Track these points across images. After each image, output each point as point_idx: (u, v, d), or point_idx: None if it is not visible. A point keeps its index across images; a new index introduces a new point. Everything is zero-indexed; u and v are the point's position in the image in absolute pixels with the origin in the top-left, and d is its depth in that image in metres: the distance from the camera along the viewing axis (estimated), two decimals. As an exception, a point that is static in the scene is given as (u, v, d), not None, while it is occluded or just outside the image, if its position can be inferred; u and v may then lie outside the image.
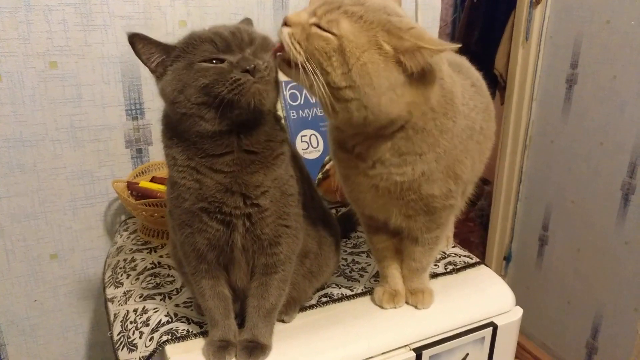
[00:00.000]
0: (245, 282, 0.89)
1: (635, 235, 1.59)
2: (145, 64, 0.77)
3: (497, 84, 2.16)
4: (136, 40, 0.75)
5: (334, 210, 1.43)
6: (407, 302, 1.02)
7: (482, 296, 1.07)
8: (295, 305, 0.99)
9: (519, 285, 2.08)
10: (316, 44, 0.71)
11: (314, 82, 0.72)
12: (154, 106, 1.40)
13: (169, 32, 1.35)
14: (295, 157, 0.92)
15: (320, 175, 1.43)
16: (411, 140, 0.80)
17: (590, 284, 1.77)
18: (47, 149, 1.32)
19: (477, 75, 0.98)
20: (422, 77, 0.75)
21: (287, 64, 0.75)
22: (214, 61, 0.73)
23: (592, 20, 1.67)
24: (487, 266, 1.16)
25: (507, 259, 2.14)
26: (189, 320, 0.97)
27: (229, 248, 0.84)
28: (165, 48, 0.76)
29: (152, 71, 0.78)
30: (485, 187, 2.29)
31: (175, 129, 0.79)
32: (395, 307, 1.01)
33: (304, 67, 0.72)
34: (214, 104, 0.72)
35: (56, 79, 1.29)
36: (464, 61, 1.01)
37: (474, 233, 2.48)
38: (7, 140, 1.28)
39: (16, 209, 1.34)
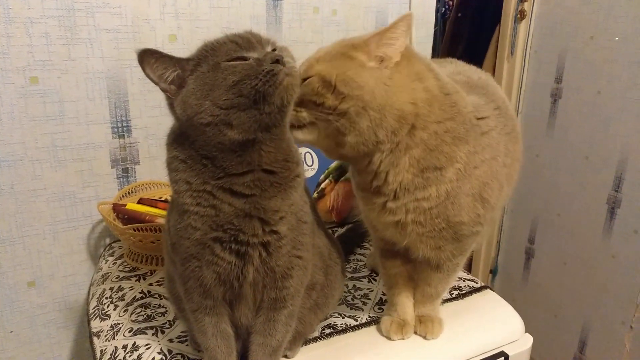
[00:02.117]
0: (251, 318, 0.82)
1: (622, 249, 1.58)
2: (158, 81, 0.69)
3: (482, 98, 2.13)
4: (147, 56, 0.68)
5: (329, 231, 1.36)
6: (415, 332, 0.97)
7: (491, 324, 1.03)
8: (299, 339, 0.92)
9: (505, 299, 2.04)
10: (305, 91, 0.77)
11: (320, 120, 0.77)
12: (142, 123, 1.31)
13: (158, 47, 1.23)
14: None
15: (315, 195, 1.36)
16: (426, 147, 0.79)
17: (577, 298, 1.75)
18: (26, 170, 1.23)
19: (502, 98, 0.94)
20: (408, 67, 0.78)
21: (299, 128, 0.80)
22: (235, 60, 0.68)
23: (576, 35, 1.66)
24: (493, 290, 1.11)
25: (494, 272, 2.11)
26: (184, 358, 0.90)
27: (238, 283, 0.76)
28: (179, 61, 0.69)
29: (166, 90, 0.70)
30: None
31: (190, 149, 0.71)
32: (403, 338, 0.95)
33: (308, 122, 0.78)
34: (244, 104, 0.66)
35: (37, 95, 1.20)
36: (489, 81, 0.97)
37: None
38: (-18, 160, 1.18)
39: (-9, 234, 1.23)
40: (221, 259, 0.74)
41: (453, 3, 2.38)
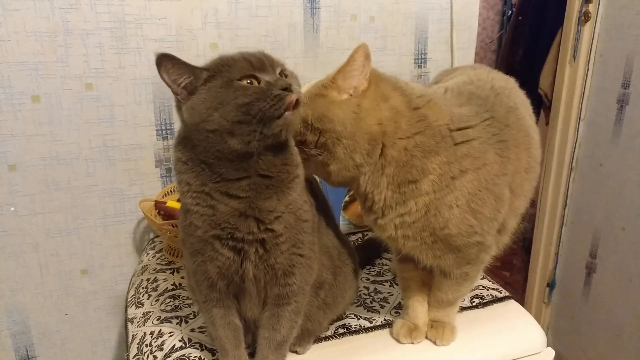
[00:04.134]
0: (257, 313, 0.85)
1: (692, 268, 1.45)
2: (171, 84, 0.74)
3: (541, 104, 2.04)
4: (165, 61, 0.72)
5: (360, 235, 1.37)
6: (426, 337, 0.96)
7: (510, 335, 0.99)
8: (309, 336, 0.94)
9: (563, 315, 1.94)
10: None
11: (309, 155, 0.83)
12: (184, 126, 1.39)
13: (200, 54, 1.35)
14: (311, 182, 0.89)
15: (347, 198, 1.37)
16: (398, 164, 0.82)
17: (642, 318, 1.62)
18: (81, 167, 1.34)
19: (510, 107, 0.91)
20: (375, 91, 0.83)
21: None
22: (250, 79, 0.72)
23: (645, 38, 1.55)
24: (517, 301, 1.07)
25: (551, 285, 2.00)
26: (202, 347, 0.95)
27: (239, 278, 0.80)
28: (193, 69, 0.74)
29: (177, 93, 0.74)
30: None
31: (192, 152, 0.76)
32: (412, 343, 0.95)
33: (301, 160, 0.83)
34: (250, 121, 0.70)
35: (91, 100, 1.31)
36: (505, 90, 0.95)
37: (516, 256, 2.34)
38: (43, 158, 1.31)
39: (50, 225, 1.36)
40: (221, 255, 0.78)
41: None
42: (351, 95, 0.82)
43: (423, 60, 1.57)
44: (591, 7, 1.72)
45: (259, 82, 0.73)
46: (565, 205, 1.90)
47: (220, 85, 0.72)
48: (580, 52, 1.76)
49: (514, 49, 2.20)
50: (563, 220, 1.92)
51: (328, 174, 0.86)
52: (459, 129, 0.85)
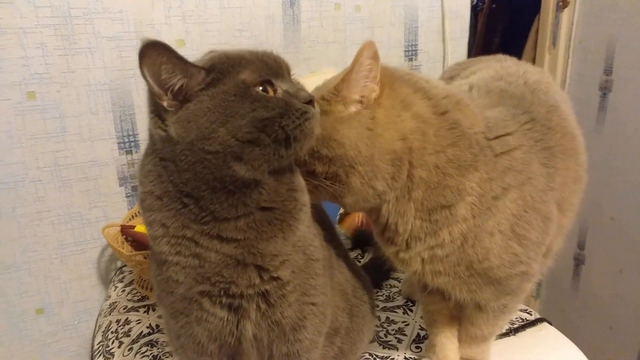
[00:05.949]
0: None
1: (686, 255, 1.36)
2: (154, 85, 0.51)
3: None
4: (154, 52, 0.50)
5: (359, 251, 1.17)
6: (458, 378, 0.78)
7: (551, 366, 0.82)
8: (323, 394, 0.74)
9: (552, 309, 1.85)
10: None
11: (317, 187, 0.65)
12: (151, 137, 1.15)
13: None
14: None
15: (341, 210, 1.18)
16: (428, 186, 0.65)
17: (635, 308, 1.54)
18: (28, 191, 1.10)
19: (550, 105, 0.74)
20: (391, 97, 0.66)
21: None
22: (265, 87, 0.55)
23: (626, 22, 1.46)
24: (550, 323, 0.90)
25: (539, 279, 1.89)
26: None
27: (235, 340, 0.59)
28: (191, 68, 0.52)
29: (160, 97, 0.52)
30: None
31: (170, 182, 0.54)
32: (443, 387, 0.77)
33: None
34: (264, 141, 0.52)
35: (35, 111, 1.07)
36: (540, 85, 0.77)
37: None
38: (-20, 183, 1.06)
39: (-6, 261, 1.11)
40: (211, 315, 0.58)
41: (487, -6, 2.18)
42: (359, 105, 0.65)
43: (414, 52, 1.38)
44: (569, -8, 1.60)
45: (274, 91, 0.54)
46: (552, 196, 1.79)
47: (232, 92, 0.52)
48: (560, 40, 1.65)
49: (489, 38, 2.07)
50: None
51: (343, 205, 0.68)
52: (497, 137, 0.67)
